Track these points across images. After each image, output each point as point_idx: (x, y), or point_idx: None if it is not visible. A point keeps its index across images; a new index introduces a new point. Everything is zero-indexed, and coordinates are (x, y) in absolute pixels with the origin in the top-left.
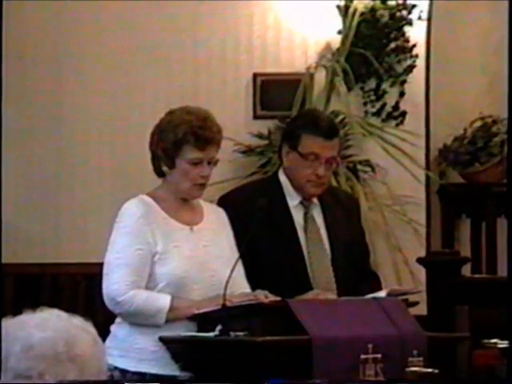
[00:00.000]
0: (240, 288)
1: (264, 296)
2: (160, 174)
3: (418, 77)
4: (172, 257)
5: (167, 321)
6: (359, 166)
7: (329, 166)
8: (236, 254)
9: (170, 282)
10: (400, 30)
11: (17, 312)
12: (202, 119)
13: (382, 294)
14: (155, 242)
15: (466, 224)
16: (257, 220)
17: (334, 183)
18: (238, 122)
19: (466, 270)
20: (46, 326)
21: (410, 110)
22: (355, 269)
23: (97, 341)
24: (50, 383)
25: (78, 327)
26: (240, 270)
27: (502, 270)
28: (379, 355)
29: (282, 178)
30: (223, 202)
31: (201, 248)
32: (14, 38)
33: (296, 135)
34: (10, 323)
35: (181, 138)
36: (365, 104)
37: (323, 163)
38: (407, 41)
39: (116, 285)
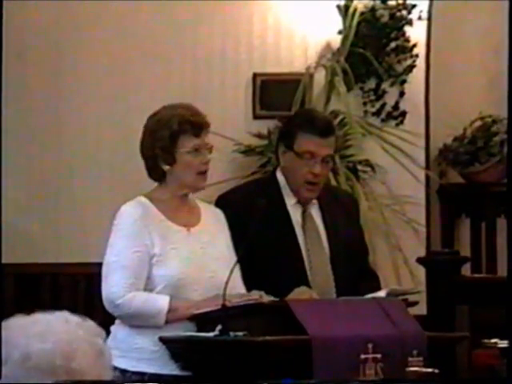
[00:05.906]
0: (236, 289)
1: (259, 297)
2: (156, 178)
3: (417, 77)
4: (169, 259)
5: (167, 321)
6: (359, 166)
7: (325, 165)
8: (234, 255)
9: (168, 283)
10: (400, 29)
11: (17, 312)
12: (189, 108)
13: (382, 293)
14: (153, 244)
15: (465, 224)
16: (255, 220)
17: (334, 183)
18: (237, 121)
19: (466, 270)
20: (47, 337)
21: (409, 109)
22: (354, 267)
23: (102, 352)
24: (49, 383)
25: (82, 339)
26: (237, 271)
27: (502, 270)
28: (379, 355)
29: (280, 177)
30: (221, 201)
31: (198, 250)
32: (14, 38)
33: (291, 134)
34: (14, 325)
35: (177, 130)
36: (364, 104)
37: (319, 161)
38: (407, 40)
39: (114, 287)
